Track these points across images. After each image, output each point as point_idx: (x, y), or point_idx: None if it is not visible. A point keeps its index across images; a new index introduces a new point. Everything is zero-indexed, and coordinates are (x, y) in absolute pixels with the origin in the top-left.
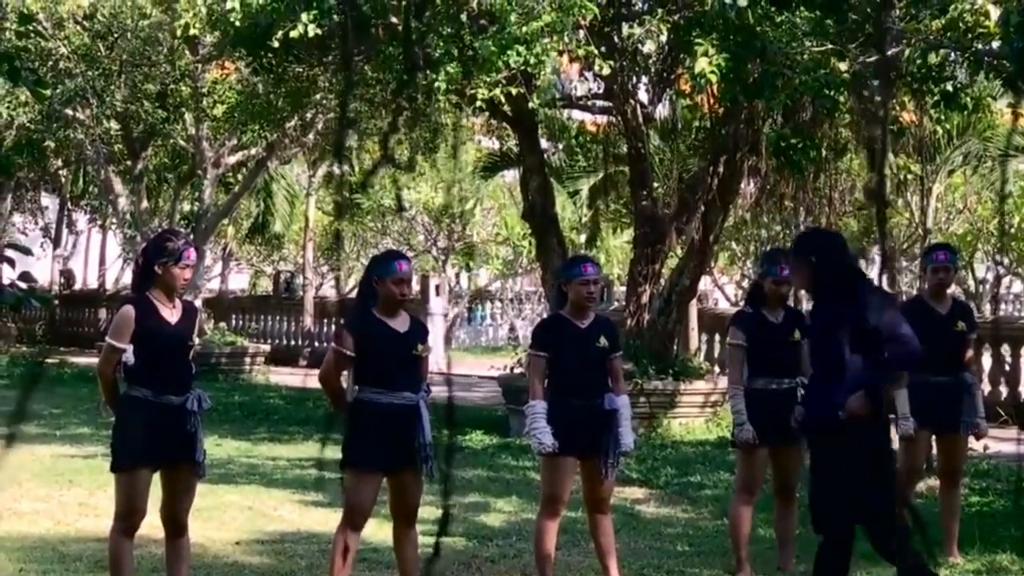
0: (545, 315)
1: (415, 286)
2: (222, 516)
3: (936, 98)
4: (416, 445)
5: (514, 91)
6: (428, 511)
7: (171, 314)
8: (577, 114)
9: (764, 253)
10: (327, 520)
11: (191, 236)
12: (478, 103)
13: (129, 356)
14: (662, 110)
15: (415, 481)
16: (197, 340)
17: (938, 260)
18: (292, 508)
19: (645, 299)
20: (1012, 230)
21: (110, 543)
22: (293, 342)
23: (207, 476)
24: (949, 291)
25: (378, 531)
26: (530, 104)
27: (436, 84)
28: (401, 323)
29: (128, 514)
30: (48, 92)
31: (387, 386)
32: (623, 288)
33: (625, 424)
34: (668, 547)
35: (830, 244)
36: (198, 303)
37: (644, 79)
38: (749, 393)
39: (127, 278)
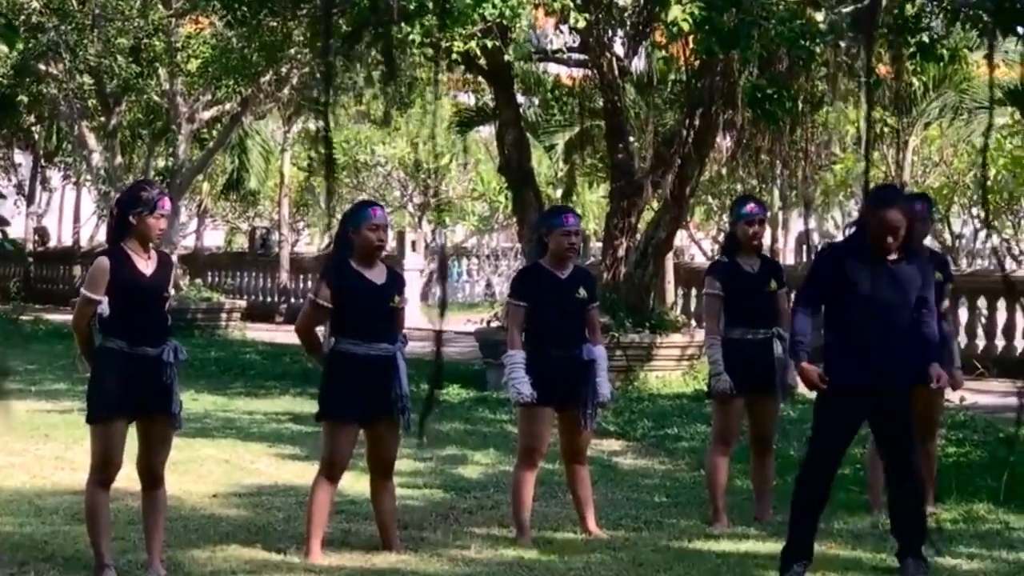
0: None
1: (391, 242)
2: (199, 469)
3: (912, 49)
4: (392, 396)
5: (490, 44)
6: (406, 463)
7: (146, 265)
8: (553, 68)
9: (733, 200)
10: (304, 473)
11: (166, 187)
12: (453, 56)
13: (104, 308)
14: (638, 64)
15: (391, 433)
16: (172, 292)
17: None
18: (269, 461)
19: (621, 252)
20: (988, 183)
21: (86, 495)
22: (269, 298)
23: (183, 429)
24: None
25: (355, 483)
26: (506, 57)
27: (411, 37)
28: (378, 275)
29: (103, 466)
30: (19, 40)
31: (363, 337)
32: (599, 244)
33: (602, 375)
34: (645, 498)
35: None
36: (174, 258)
37: (620, 32)
38: (726, 343)
39: (102, 235)
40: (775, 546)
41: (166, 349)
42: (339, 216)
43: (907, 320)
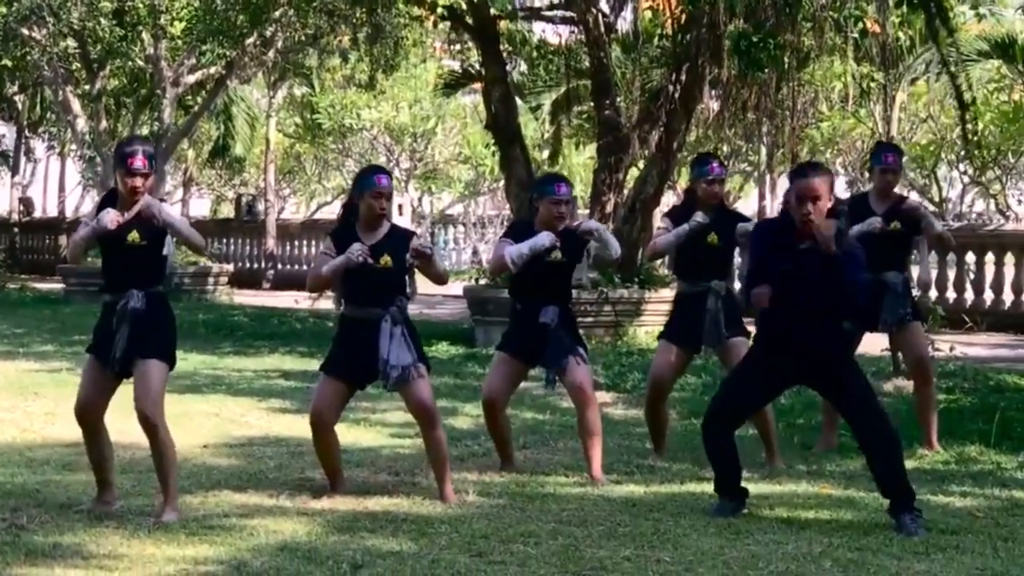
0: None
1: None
2: (189, 423)
3: None
4: (379, 362)
5: None
6: (397, 415)
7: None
8: (538, 29)
9: (695, 158)
10: (294, 425)
11: (148, 145)
12: (439, 11)
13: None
14: (624, 23)
15: (410, 389)
16: (165, 251)
17: (887, 163)
18: (259, 415)
19: (609, 208)
20: (975, 138)
21: None
22: (256, 265)
23: (172, 386)
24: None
25: (346, 433)
26: (491, 11)
27: None
28: (373, 237)
29: (77, 402)
30: (1, 4)
31: (355, 301)
32: (587, 211)
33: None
34: (637, 445)
35: None
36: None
37: None
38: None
39: (87, 206)
40: (764, 487)
41: (126, 298)
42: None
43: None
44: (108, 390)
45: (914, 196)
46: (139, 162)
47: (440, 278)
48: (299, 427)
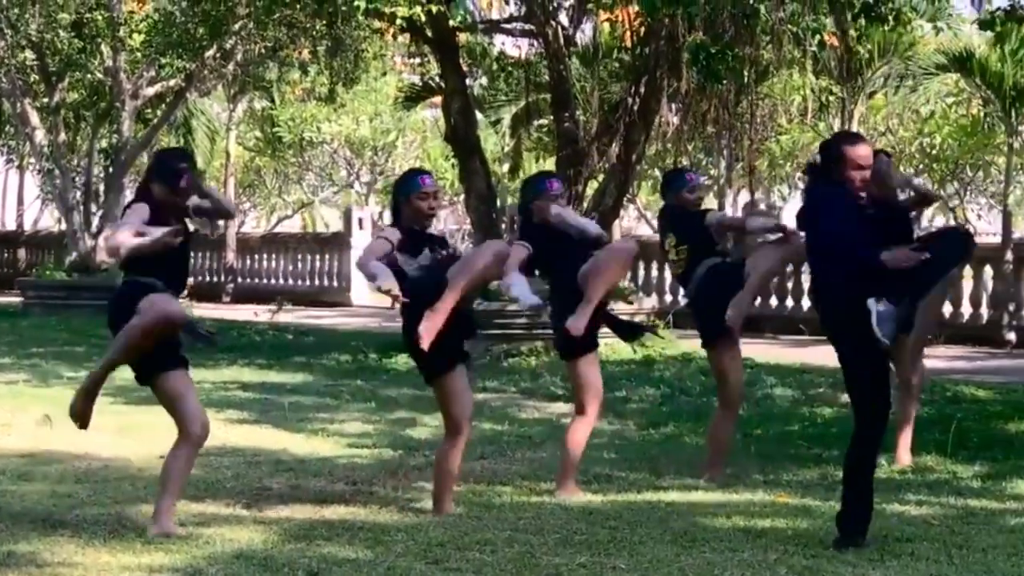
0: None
1: (338, 220)
2: (146, 434)
3: (856, 10)
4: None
5: (434, 9)
6: (355, 425)
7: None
8: (498, 42)
9: (665, 177)
10: (252, 435)
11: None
12: (398, 22)
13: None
14: (583, 36)
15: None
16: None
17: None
18: (217, 425)
19: None
20: (933, 151)
21: None
22: (216, 278)
23: (129, 397)
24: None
25: (304, 443)
26: (450, 22)
27: (356, 3)
28: None
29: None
30: None
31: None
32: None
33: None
34: (595, 455)
35: None
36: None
37: (565, 3)
38: None
39: (46, 220)
40: (721, 496)
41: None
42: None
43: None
44: None
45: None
46: (186, 182)
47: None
48: (256, 437)
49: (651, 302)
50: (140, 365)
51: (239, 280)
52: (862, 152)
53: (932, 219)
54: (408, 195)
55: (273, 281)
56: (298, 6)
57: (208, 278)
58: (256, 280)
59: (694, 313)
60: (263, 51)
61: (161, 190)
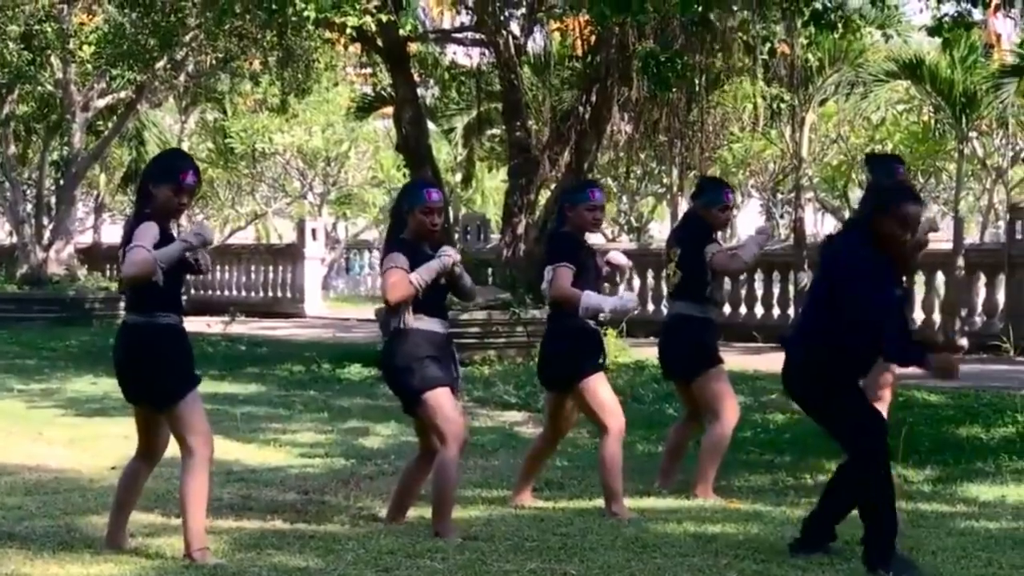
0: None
1: (291, 232)
2: (97, 445)
3: (806, 18)
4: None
5: (384, 18)
6: (308, 435)
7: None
8: (450, 52)
9: (702, 183)
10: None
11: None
12: (348, 31)
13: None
14: (534, 45)
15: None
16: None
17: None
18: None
19: (520, 229)
20: None
21: None
22: None
23: (82, 409)
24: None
25: (256, 453)
26: (400, 31)
27: (305, 14)
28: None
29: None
30: None
31: (433, 312)
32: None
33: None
34: (547, 462)
35: None
36: (69, 250)
37: (516, 12)
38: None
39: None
40: (672, 502)
41: None
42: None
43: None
44: None
45: (828, 218)
46: (191, 179)
47: (469, 293)
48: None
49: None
50: (157, 395)
51: (192, 291)
52: (916, 211)
53: None
54: (413, 207)
55: (226, 292)
56: (248, 17)
57: None
58: (209, 291)
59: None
60: (214, 62)
61: (163, 192)
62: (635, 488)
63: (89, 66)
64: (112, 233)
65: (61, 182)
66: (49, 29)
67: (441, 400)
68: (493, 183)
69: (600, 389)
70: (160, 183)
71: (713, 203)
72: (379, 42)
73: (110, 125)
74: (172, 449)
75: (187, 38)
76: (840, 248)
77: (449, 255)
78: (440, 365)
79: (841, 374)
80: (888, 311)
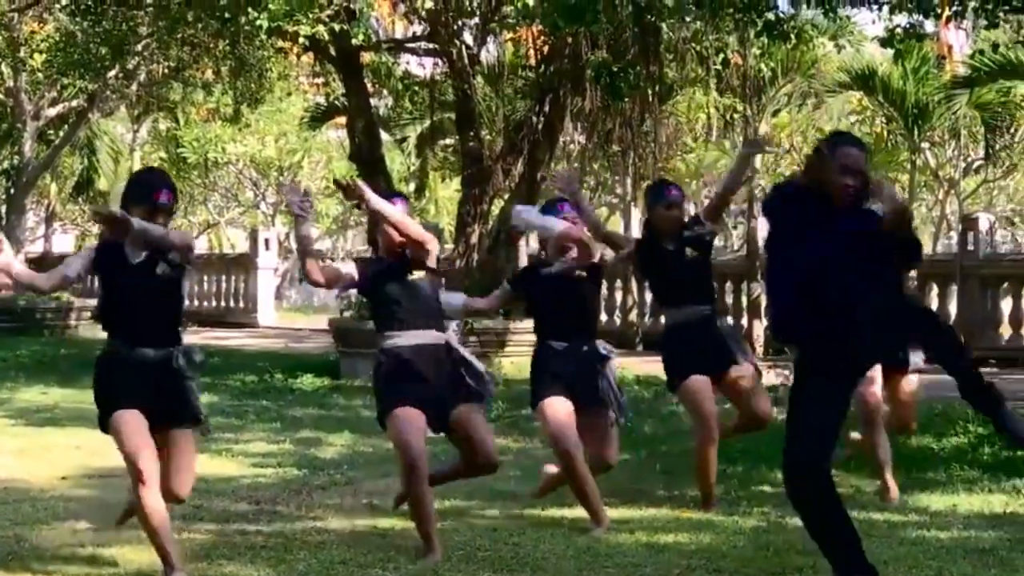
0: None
1: (243, 241)
2: (48, 456)
3: (759, 29)
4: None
5: (337, 28)
6: (260, 445)
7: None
8: (403, 62)
9: (647, 187)
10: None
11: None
12: (301, 40)
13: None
14: (487, 55)
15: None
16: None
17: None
18: None
19: (474, 239)
20: None
21: None
22: None
23: (31, 420)
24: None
25: (208, 463)
26: (353, 40)
27: (258, 23)
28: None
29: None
30: None
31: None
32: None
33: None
34: (500, 472)
35: None
36: (20, 259)
37: (470, 22)
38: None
39: None
40: (625, 512)
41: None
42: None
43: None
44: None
45: None
46: (165, 197)
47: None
48: None
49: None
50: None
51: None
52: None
53: None
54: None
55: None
56: (200, 26)
57: None
58: None
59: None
60: (166, 71)
61: (138, 213)
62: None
63: (40, 75)
64: (63, 243)
65: (11, 191)
66: (0, 37)
67: (396, 423)
68: (446, 193)
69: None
70: (135, 204)
71: (656, 202)
72: (332, 52)
73: (61, 134)
74: (114, 461)
75: (139, 47)
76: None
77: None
78: (407, 382)
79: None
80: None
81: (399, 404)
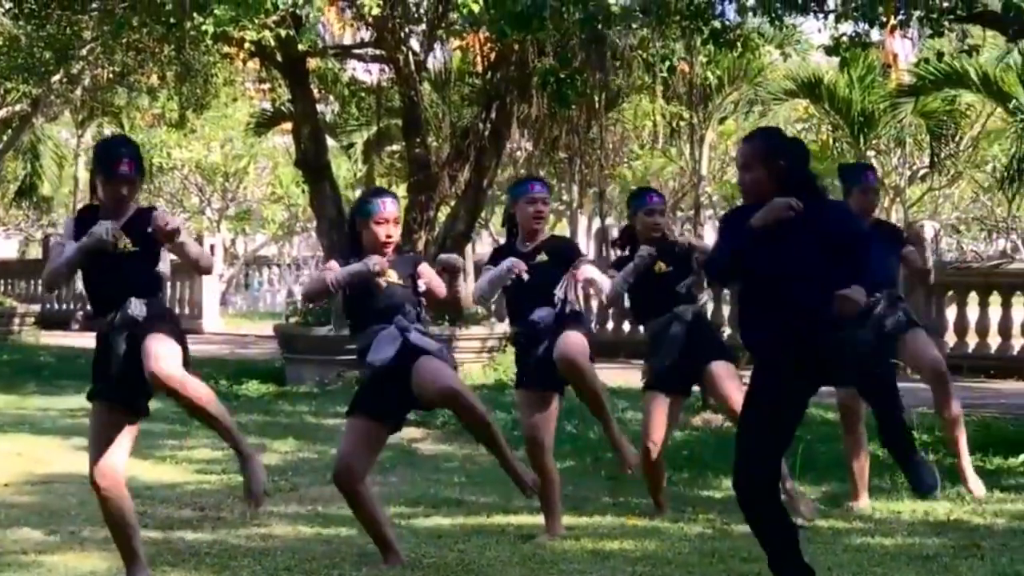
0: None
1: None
2: None
3: (705, 36)
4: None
5: (283, 33)
6: (204, 452)
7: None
8: (350, 68)
9: (631, 193)
10: None
11: (133, 146)
12: (247, 46)
13: None
14: (434, 62)
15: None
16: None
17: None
18: (63, 453)
19: (420, 246)
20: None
21: None
22: (64, 306)
23: None
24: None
25: (151, 470)
26: (299, 46)
27: (204, 28)
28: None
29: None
30: None
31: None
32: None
33: None
34: (445, 479)
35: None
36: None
37: (417, 28)
38: None
39: None
40: (571, 519)
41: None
42: None
43: None
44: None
45: None
46: (125, 167)
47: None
48: None
49: (503, 327)
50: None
51: (87, 307)
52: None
53: None
54: (367, 219)
55: None
56: (145, 30)
57: (56, 306)
58: None
59: None
60: (111, 76)
61: (101, 185)
62: (532, 506)
63: None
64: (6, 248)
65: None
66: None
67: (346, 431)
68: None
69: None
70: (97, 171)
71: (637, 208)
72: (278, 57)
73: (4, 138)
74: (63, 462)
75: (84, 51)
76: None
77: (376, 261)
78: (371, 391)
79: None
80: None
81: (353, 412)
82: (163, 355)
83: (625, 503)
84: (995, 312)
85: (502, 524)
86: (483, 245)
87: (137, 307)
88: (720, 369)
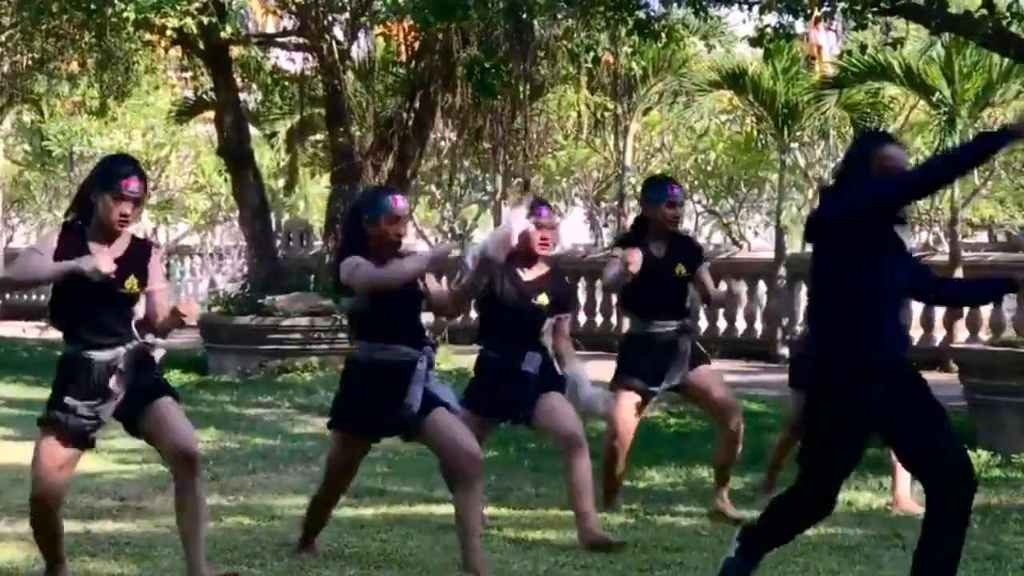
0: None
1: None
2: None
3: (630, 27)
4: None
5: (205, 20)
6: (124, 442)
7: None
8: (273, 56)
9: (648, 181)
10: (16, 452)
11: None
12: (169, 33)
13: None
14: (358, 51)
15: None
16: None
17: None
18: None
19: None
20: (708, 167)
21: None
22: None
23: None
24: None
25: (103, 465)
26: (222, 34)
27: (125, 15)
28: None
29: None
30: None
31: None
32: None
33: None
34: (368, 469)
35: None
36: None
37: (340, 17)
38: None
39: None
40: (493, 509)
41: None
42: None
43: None
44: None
45: None
46: (135, 185)
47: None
48: (21, 454)
49: (425, 317)
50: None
51: (8, 296)
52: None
53: (710, 236)
54: (378, 216)
55: (43, 297)
56: (65, 16)
57: None
58: (26, 296)
59: None
60: (30, 63)
61: (103, 203)
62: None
63: None
64: None
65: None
66: None
67: (334, 443)
68: (316, 189)
69: None
70: (103, 190)
71: (659, 200)
72: (201, 45)
73: None
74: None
75: (2, 37)
76: None
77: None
78: (361, 403)
79: None
80: None
81: (339, 426)
82: (191, 433)
83: (548, 494)
84: (916, 305)
85: (424, 514)
86: (408, 235)
87: (157, 353)
88: (703, 372)
